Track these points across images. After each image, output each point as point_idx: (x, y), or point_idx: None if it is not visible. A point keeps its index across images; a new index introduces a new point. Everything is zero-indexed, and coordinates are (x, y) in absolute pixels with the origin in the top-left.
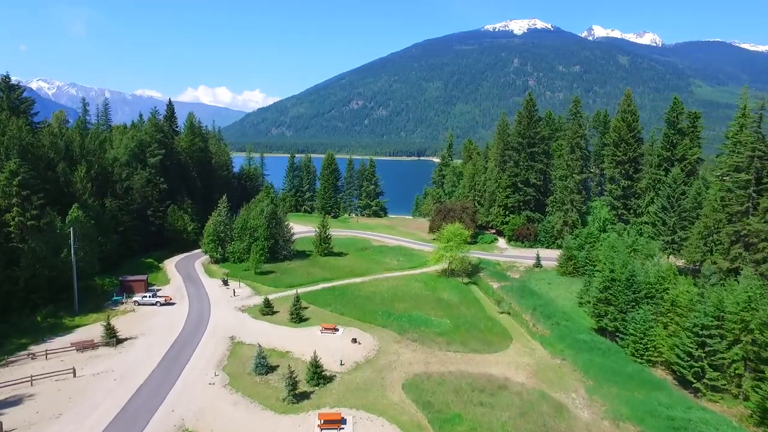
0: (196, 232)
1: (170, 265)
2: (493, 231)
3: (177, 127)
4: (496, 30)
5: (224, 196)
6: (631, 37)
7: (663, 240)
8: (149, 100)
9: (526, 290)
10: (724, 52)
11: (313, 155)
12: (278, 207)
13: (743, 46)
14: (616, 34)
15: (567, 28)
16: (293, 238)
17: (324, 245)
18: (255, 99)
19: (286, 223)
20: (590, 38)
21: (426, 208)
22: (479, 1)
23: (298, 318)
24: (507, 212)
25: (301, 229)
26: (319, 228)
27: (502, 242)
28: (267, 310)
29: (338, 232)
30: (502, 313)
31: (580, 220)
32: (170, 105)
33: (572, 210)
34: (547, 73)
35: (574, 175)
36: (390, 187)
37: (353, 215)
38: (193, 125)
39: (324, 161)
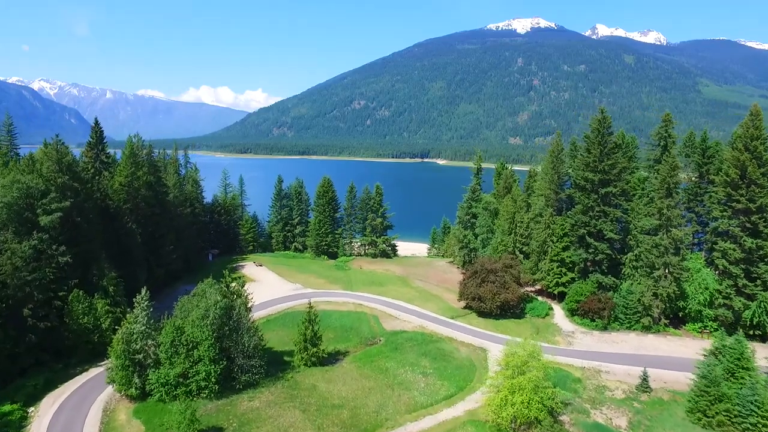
0: (116, 326)
1: (45, 415)
2: (535, 289)
3: (108, 157)
4: (499, 29)
5: (144, 290)
6: (635, 35)
7: None
8: (151, 100)
9: None
10: (730, 51)
11: (314, 157)
12: (237, 299)
13: (749, 44)
14: (621, 32)
15: (571, 27)
16: (261, 342)
17: (311, 349)
18: (257, 99)
19: (249, 325)
20: (594, 37)
21: (448, 249)
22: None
23: None
24: (563, 269)
25: (285, 291)
26: (304, 324)
27: (559, 315)
28: None
29: (334, 296)
30: None
31: (677, 291)
32: (96, 126)
33: (667, 277)
34: (552, 72)
35: (671, 229)
36: (395, 195)
37: (355, 253)
38: (135, 153)
39: (319, 189)
